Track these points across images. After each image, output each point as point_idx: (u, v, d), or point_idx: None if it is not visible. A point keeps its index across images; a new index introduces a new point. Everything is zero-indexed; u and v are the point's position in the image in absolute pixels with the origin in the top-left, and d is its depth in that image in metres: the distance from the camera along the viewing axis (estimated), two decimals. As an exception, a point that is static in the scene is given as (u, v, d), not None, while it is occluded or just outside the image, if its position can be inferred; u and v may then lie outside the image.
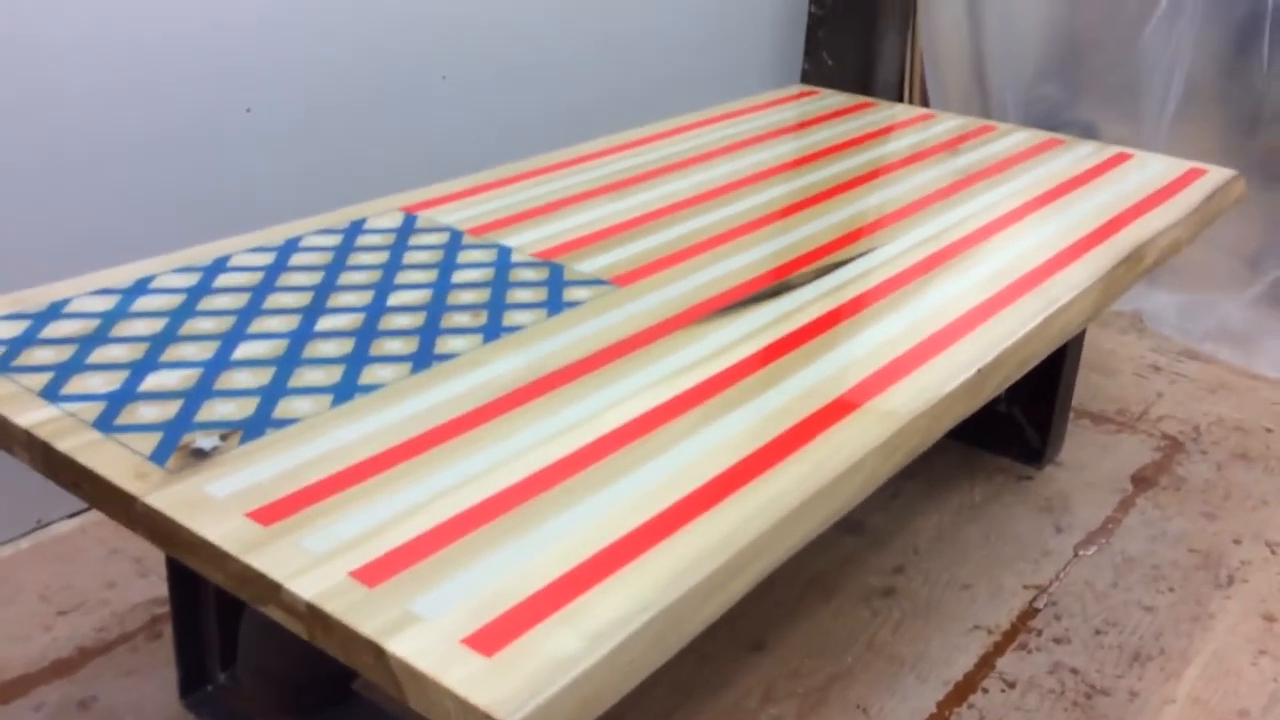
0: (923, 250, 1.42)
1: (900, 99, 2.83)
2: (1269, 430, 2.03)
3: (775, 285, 1.29)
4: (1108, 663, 1.46)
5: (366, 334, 1.14)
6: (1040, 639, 1.50)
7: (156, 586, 1.51)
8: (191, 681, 1.32)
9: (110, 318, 1.14)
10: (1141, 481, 1.86)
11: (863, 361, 1.13)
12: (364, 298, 1.21)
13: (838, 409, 1.04)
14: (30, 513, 1.60)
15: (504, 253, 1.33)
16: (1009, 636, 1.50)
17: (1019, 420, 1.88)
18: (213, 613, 1.28)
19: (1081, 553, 1.67)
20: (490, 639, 0.76)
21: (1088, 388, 2.14)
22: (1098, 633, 1.51)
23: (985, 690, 1.41)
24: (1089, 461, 1.91)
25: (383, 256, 1.31)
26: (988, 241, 1.45)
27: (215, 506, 0.87)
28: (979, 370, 1.14)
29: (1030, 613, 1.55)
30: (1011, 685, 1.42)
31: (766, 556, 0.90)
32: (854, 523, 1.71)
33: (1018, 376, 1.25)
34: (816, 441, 0.99)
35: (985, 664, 1.45)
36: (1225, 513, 1.79)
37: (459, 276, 1.27)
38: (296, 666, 1.22)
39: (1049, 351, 1.30)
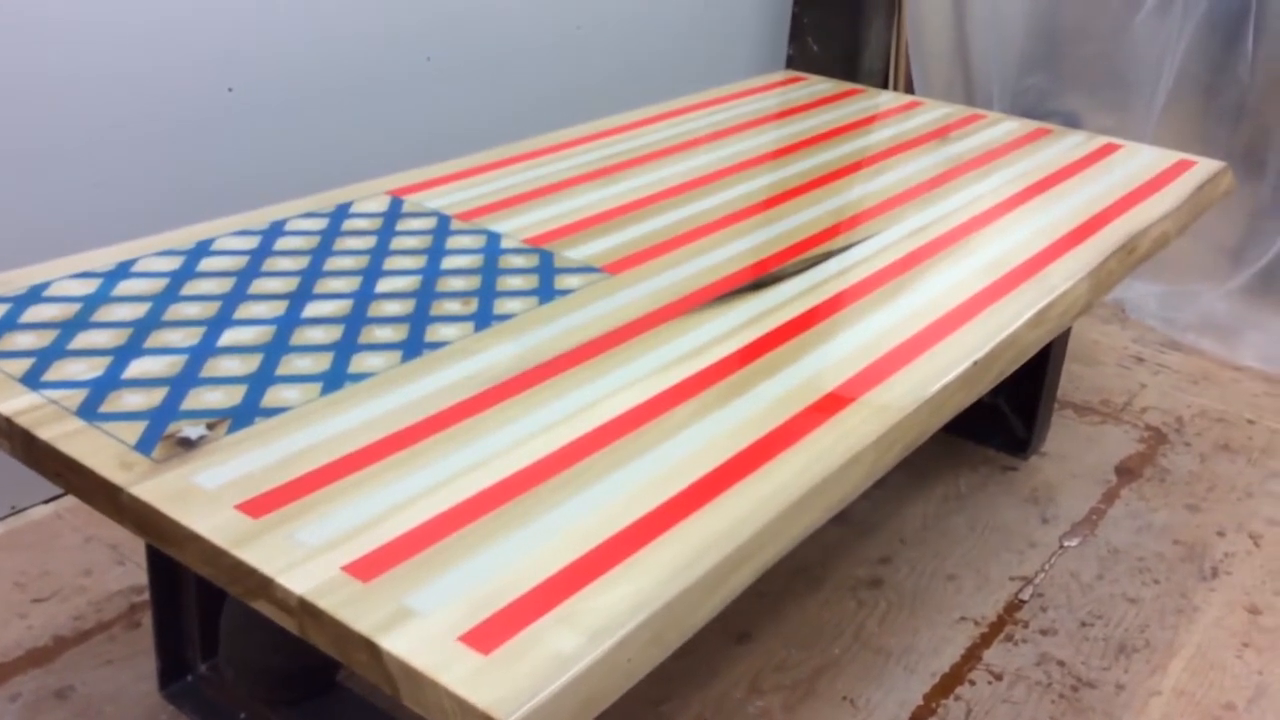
0: (915, 240, 1.40)
1: (885, 86, 2.82)
2: (1251, 421, 2.03)
3: (767, 275, 1.28)
4: (1094, 655, 1.46)
5: (355, 321, 1.11)
6: (1027, 630, 1.50)
7: (134, 574, 1.48)
8: (171, 672, 1.30)
9: (92, 302, 1.11)
10: (1126, 473, 1.86)
11: (857, 354, 1.12)
12: (352, 284, 1.19)
13: (834, 402, 1.03)
14: (4, 498, 1.57)
15: (493, 239, 1.31)
16: (995, 628, 1.50)
17: (1004, 410, 1.88)
18: (193, 603, 1.26)
19: (1067, 544, 1.67)
20: (487, 636, 0.74)
21: (1071, 378, 2.14)
22: (1083, 624, 1.51)
23: (972, 682, 1.41)
24: (1073, 452, 1.91)
25: (370, 241, 1.29)
26: (980, 232, 1.44)
27: (204, 498, 0.85)
28: (975, 362, 1.13)
29: (1016, 604, 1.55)
30: (999, 677, 1.42)
31: (768, 550, 0.89)
32: (840, 512, 1.70)
33: (1014, 368, 1.24)
34: (815, 434, 0.98)
35: (972, 655, 1.45)
36: (1209, 504, 1.79)
37: (448, 263, 1.25)
38: (279, 657, 1.20)
39: (1045, 343, 1.30)
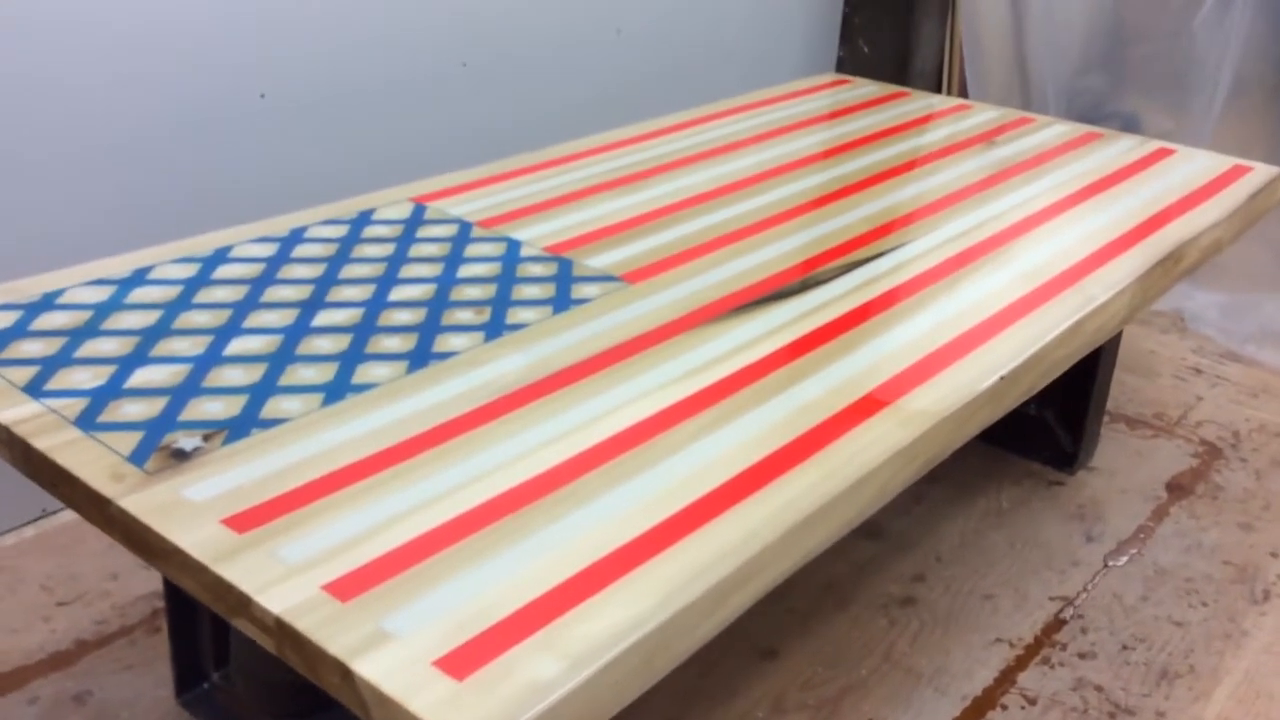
0: (955, 246, 1.36)
1: (938, 89, 2.76)
2: (1314, 438, 1.95)
3: (797, 282, 1.24)
4: (1134, 680, 1.40)
5: (364, 330, 1.10)
6: (1064, 653, 1.45)
7: (159, 579, 1.49)
8: (187, 680, 1.30)
9: (103, 310, 1.11)
10: (1177, 489, 1.79)
11: (882, 364, 1.08)
12: (365, 292, 1.17)
13: (854, 413, 0.99)
14: (34, 502, 1.58)
15: (513, 246, 1.29)
16: (1032, 650, 1.45)
17: (1050, 423, 1.82)
18: (206, 611, 1.26)
19: (1111, 563, 1.61)
20: (463, 661, 0.72)
21: (1124, 390, 2.07)
22: (1125, 648, 1.46)
23: (1004, 706, 1.36)
24: (1123, 467, 1.84)
25: (388, 249, 1.27)
26: (1022, 238, 1.39)
27: (190, 511, 0.84)
28: (1002, 377, 1.09)
29: (1055, 625, 1.49)
30: (1032, 702, 1.37)
31: (770, 571, 0.85)
32: (874, 527, 1.66)
33: (1046, 382, 1.19)
34: (830, 449, 0.95)
35: (1006, 679, 1.40)
36: (1264, 524, 1.72)
37: (465, 271, 1.23)
38: (288, 670, 1.19)
39: (1080, 356, 1.25)
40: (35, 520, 1.59)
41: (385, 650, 0.72)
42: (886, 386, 1.05)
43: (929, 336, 1.14)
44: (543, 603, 0.77)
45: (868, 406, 1.01)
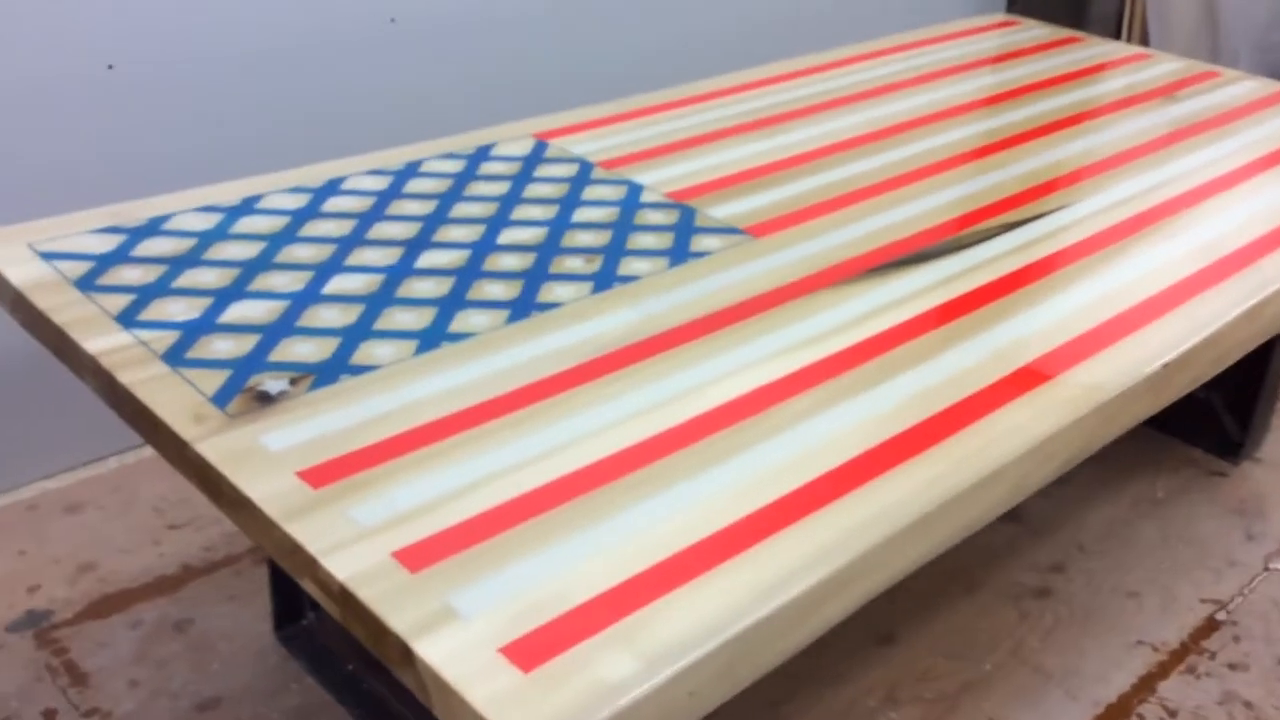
0: (1123, 210, 1.23)
1: (1117, 35, 2.56)
2: None
3: (944, 242, 1.14)
4: (1292, 700, 1.28)
5: (468, 274, 1.04)
6: (1213, 663, 1.32)
7: (270, 509, 1.48)
8: (286, 615, 1.28)
9: (207, 238, 1.08)
10: (1356, 489, 1.63)
11: (1029, 343, 0.97)
12: (474, 233, 1.11)
13: (988, 398, 0.89)
14: (157, 422, 1.58)
15: (634, 191, 1.21)
16: (1176, 657, 1.33)
17: (1217, 407, 1.67)
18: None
19: (1273, 566, 1.47)
20: (531, 650, 0.66)
21: (1303, 374, 1.89)
22: (1283, 663, 1.32)
23: (1141, 717, 1.25)
24: (1295, 460, 1.68)
25: (503, 187, 1.21)
26: (1199, 206, 1.25)
27: (267, 461, 0.79)
28: (1165, 365, 0.97)
29: (1205, 631, 1.37)
30: (1173, 714, 1.25)
31: (874, 576, 0.77)
32: (1012, 509, 1.54)
33: (1215, 373, 1.07)
34: (957, 437, 0.85)
35: (1145, 686, 1.29)
36: None
37: (580, 215, 1.16)
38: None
39: (1256, 344, 1.12)
40: (154, 442, 1.60)
41: (450, 631, 0.66)
42: (1028, 370, 0.94)
43: (1084, 313, 1.03)
44: (620, 592, 0.70)
45: (1004, 392, 0.91)
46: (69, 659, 1.25)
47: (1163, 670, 1.31)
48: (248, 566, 1.39)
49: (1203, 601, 1.41)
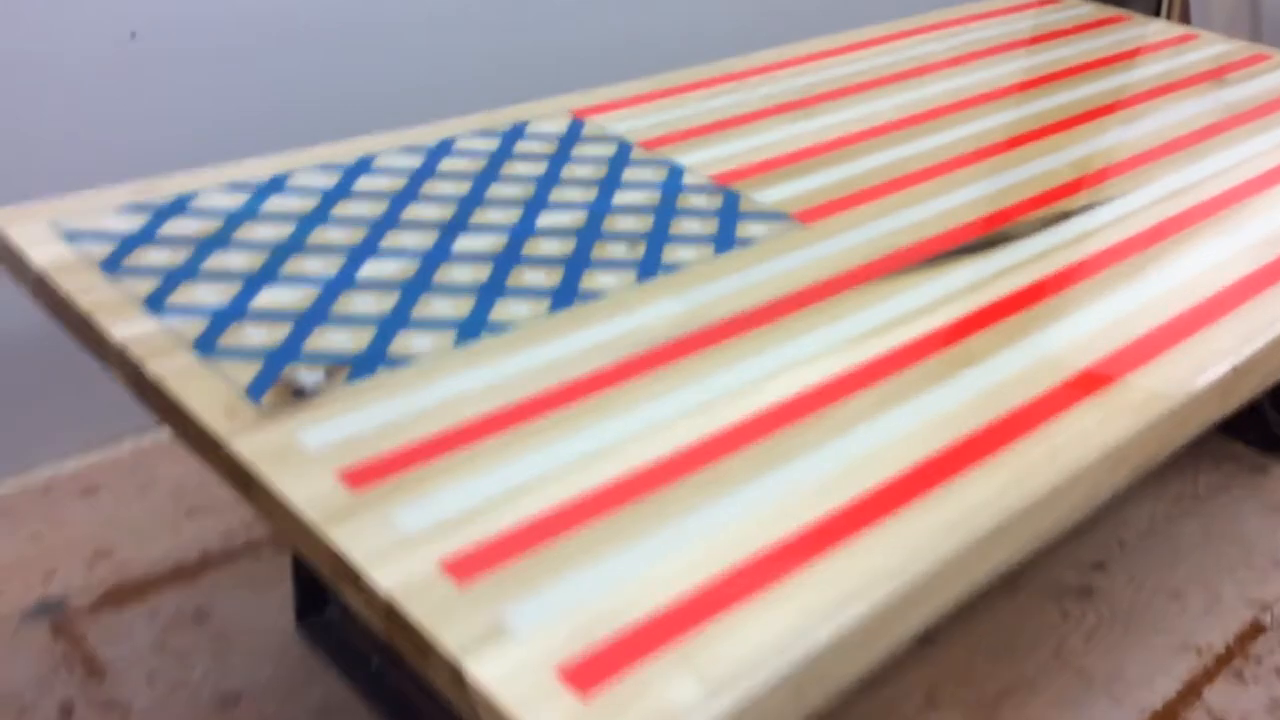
0: (1175, 204, 1.19)
1: (1156, 13, 2.50)
2: None
3: (992, 234, 1.09)
4: (1343, 708, 1.24)
5: (507, 260, 1.00)
6: (1260, 668, 1.28)
7: (291, 493, 1.44)
8: (309, 604, 1.25)
9: (236, 218, 1.03)
10: (1402, 487, 1.59)
11: (1088, 343, 0.93)
12: (511, 215, 1.07)
13: (1060, 398, 0.85)
14: (174, 402, 1.54)
15: (675, 173, 1.17)
16: (1223, 660, 1.29)
17: (1260, 400, 1.63)
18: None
19: (1320, 567, 1.43)
20: (590, 672, 0.62)
21: (1344, 366, 1.85)
22: (1333, 669, 1.29)
23: (1188, 723, 1.21)
24: (1339, 456, 1.64)
25: (540, 168, 1.16)
26: (1255, 198, 1.20)
27: (305, 459, 0.75)
28: (1235, 368, 0.93)
29: (1251, 634, 1.33)
30: (1221, 721, 1.22)
31: (957, 583, 0.73)
32: (1050, 502, 1.50)
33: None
34: (1028, 439, 0.81)
35: (1191, 692, 1.25)
36: None
37: (620, 198, 1.11)
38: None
39: (1323, 344, 1.07)
40: (171, 422, 1.56)
41: (504, 650, 0.63)
42: (1096, 369, 0.90)
43: (1136, 316, 0.98)
44: (684, 609, 0.66)
45: (1076, 391, 0.87)
46: (86, 649, 1.21)
47: (1209, 675, 1.27)
48: (270, 554, 1.35)
49: (1249, 602, 1.37)
